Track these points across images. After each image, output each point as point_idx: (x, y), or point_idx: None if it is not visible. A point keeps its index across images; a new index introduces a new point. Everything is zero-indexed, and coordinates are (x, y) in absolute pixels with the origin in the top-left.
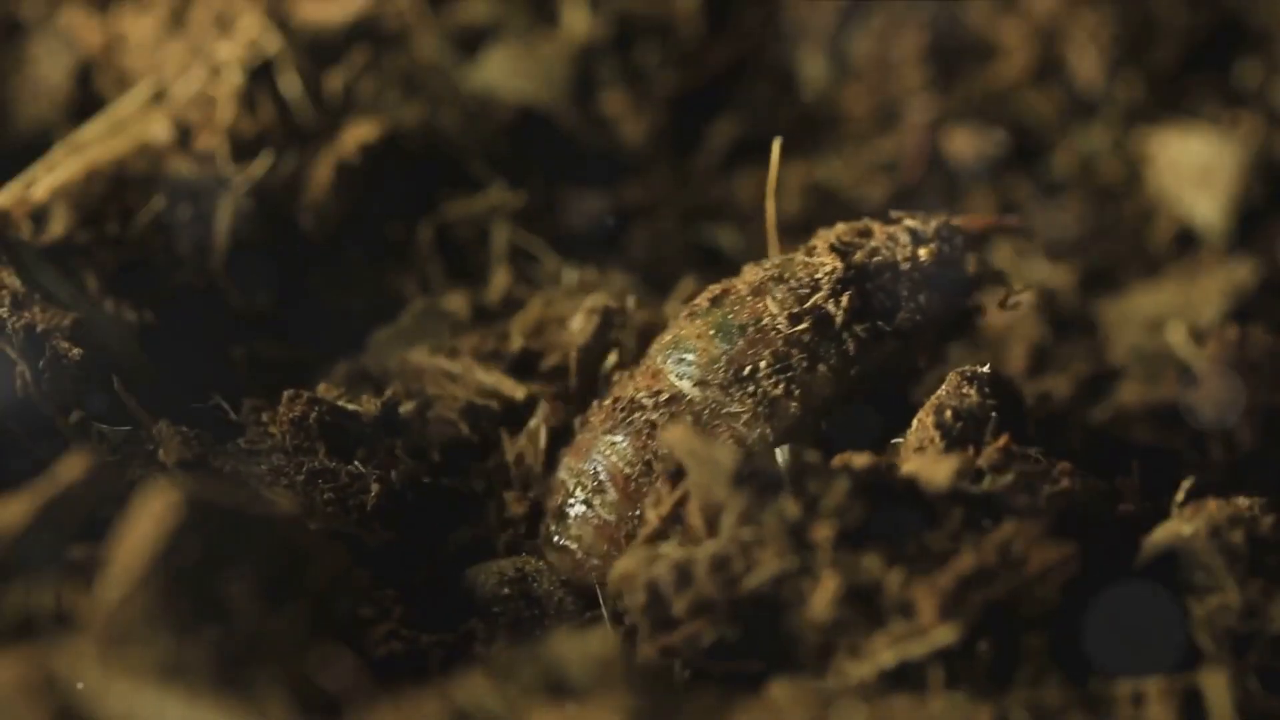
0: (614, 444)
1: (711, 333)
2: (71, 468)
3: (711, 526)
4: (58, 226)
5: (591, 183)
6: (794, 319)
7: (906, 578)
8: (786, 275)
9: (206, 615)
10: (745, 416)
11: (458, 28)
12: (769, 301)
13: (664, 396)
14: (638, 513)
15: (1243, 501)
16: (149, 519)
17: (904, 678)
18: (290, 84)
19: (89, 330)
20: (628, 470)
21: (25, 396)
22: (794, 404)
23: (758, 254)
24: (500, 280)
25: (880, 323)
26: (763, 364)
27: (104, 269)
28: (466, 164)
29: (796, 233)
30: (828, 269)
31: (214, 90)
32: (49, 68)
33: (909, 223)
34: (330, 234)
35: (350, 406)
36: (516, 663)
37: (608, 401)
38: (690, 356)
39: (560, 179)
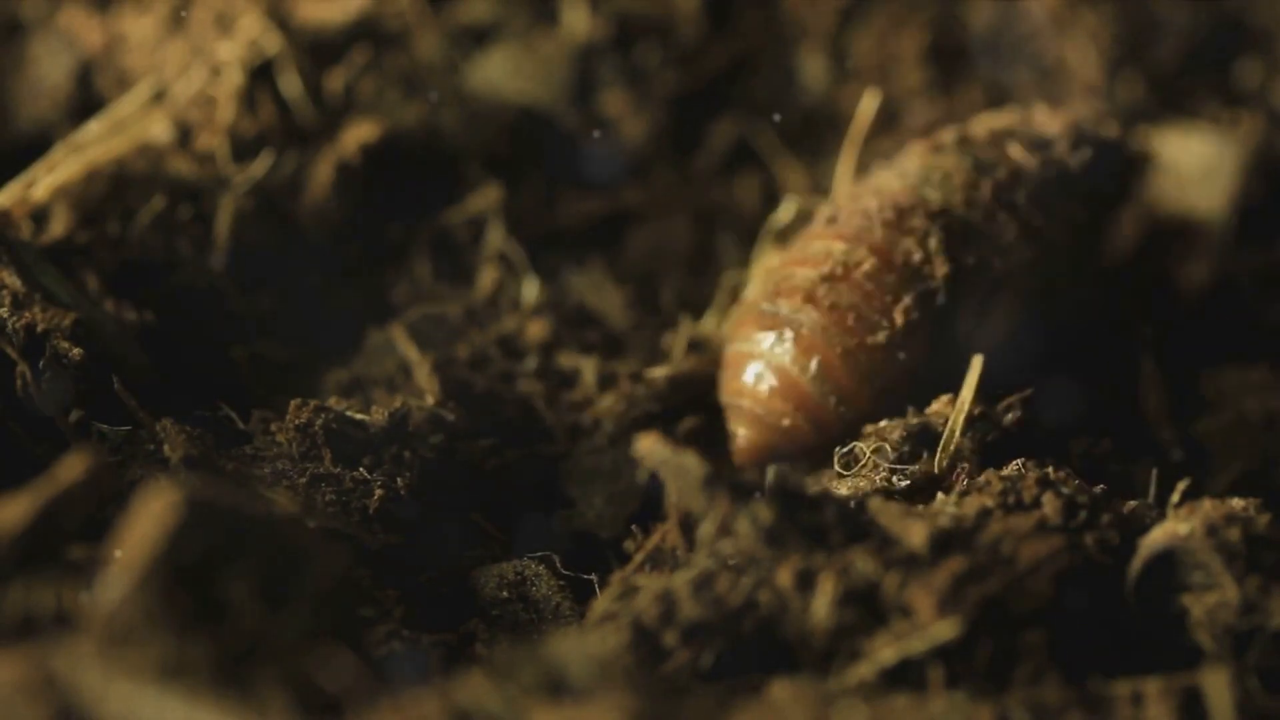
0: (847, 250)
1: (968, 164)
2: (71, 468)
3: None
4: (58, 226)
5: (591, 183)
6: (1044, 165)
7: (903, 578)
8: (1016, 129)
9: (206, 615)
10: (1009, 238)
11: (458, 28)
12: (1013, 147)
13: (930, 209)
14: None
15: (1238, 501)
16: (149, 519)
17: (904, 677)
18: (290, 84)
19: (89, 330)
20: (869, 269)
21: (25, 396)
22: (1052, 235)
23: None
24: (487, 282)
25: (1096, 182)
26: (1020, 195)
27: (104, 269)
28: (466, 164)
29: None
30: (1054, 128)
31: (214, 90)
32: (49, 68)
33: (1079, 111)
34: (330, 234)
35: (357, 415)
36: (516, 663)
37: (847, 206)
38: (949, 180)
39: (560, 179)
